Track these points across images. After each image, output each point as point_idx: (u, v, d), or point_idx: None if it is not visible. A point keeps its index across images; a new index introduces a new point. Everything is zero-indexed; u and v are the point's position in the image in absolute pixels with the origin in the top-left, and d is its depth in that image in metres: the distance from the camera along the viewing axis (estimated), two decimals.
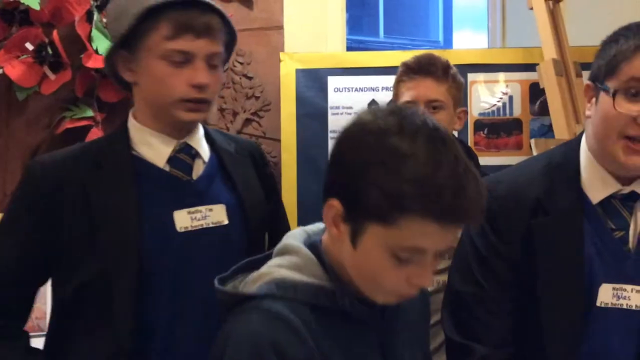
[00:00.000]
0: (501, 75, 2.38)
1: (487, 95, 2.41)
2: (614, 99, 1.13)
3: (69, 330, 1.25)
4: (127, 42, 1.23)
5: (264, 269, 0.99)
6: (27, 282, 1.27)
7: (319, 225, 1.05)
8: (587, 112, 1.23)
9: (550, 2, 2.21)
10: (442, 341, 1.34)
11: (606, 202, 1.21)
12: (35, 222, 1.22)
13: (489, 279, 1.24)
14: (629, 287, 1.19)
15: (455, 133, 2.38)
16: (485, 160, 2.23)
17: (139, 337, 1.21)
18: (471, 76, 2.41)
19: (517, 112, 2.37)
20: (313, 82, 2.37)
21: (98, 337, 1.20)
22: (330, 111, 2.38)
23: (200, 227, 1.26)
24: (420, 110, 0.93)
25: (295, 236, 1.03)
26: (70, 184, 1.22)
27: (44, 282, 1.31)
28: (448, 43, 5.65)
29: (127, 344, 1.19)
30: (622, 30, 1.21)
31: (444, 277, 1.47)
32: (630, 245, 1.20)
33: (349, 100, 2.40)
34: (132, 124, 1.30)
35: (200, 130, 1.36)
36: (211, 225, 1.28)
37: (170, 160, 1.28)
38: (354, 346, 0.96)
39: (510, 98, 2.38)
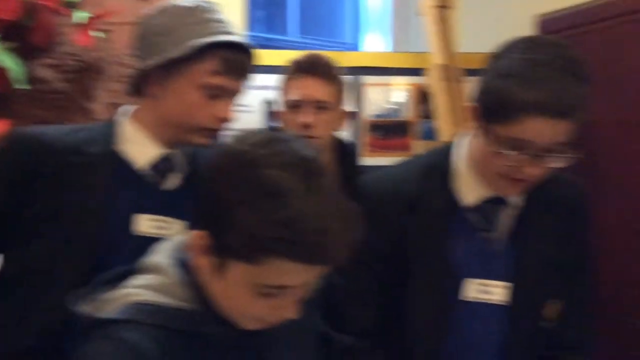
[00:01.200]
0: (394, 79, 2.44)
1: (380, 98, 2.47)
2: (497, 149, 1.12)
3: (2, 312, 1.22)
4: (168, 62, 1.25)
5: (125, 288, 0.94)
6: None
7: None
8: (472, 128, 1.22)
9: (440, 9, 2.29)
10: None
11: (477, 205, 1.26)
12: (3, 186, 1.23)
13: (361, 271, 1.28)
14: (493, 282, 1.26)
15: (350, 134, 2.47)
16: (376, 161, 2.29)
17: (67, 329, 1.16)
18: (365, 79, 2.46)
19: (408, 115, 2.44)
20: None
21: (31, 324, 1.18)
22: None
23: (155, 236, 1.23)
24: (296, 140, 0.89)
25: (166, 251, 0.99)
26: (47, 163, 1.22)
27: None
28: (359, 45, 5.74)
29: (50, 334, 1.16)
30: (516, 59, 1.12)
31: None
32: (498, 243, 1.27)
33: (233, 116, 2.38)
34: (125, 121, 1.31)
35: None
36: (165, 238, 1.27)
37: (151, 165, 1.28)
38: None
39: (402, 101, 2.44)
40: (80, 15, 2.13)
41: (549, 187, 1.26)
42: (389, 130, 2.44)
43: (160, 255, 0.98)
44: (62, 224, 1.20)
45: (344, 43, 5.91)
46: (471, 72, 2.41)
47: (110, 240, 1.21)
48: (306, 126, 1.70)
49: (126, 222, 1.24)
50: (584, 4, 2.59)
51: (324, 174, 0.87)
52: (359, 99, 2.47)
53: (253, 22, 5.19)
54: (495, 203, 1.26)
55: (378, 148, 2.43)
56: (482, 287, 1.26)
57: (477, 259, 1.26)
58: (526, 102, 1.07)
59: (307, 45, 5.51)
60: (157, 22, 1.28)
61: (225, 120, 1.27)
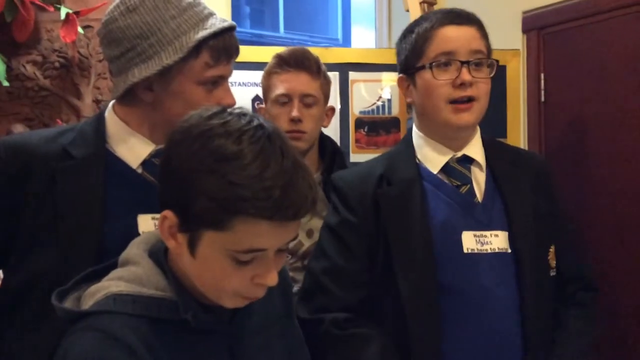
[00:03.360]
0: (381, 75, 2.44)
1: (368, 94, 2.47)
2: (432, 71, 1.30)
3: (13, 325, 1.19)
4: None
5: (104, 281, 0.95)
6: None
7: None
8: (408, 100, 1.40)
9: (425, 5, 2.30)
10: None
11: (446, 167, 1.35)
12: None
13: (342, 251, 1.31)
14: (487, 232, 1.30)
15: (337, 129, 2.47)
16: (365, 157, 2.28)
17: None
18: (352, 75, 2.45)
19: (396, 111, 2.44)
20: None
21: (44, 334, 1.14)
22: None
23: None
24: (244, 110, 0.92)
25: (139, 244, 1.00)
26: (37, 172, 1.17)
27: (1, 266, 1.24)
28: (346, 40, 5.74)
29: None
30: (415, 21, 1.38)
31: None
32: (478, 196, 1.33)
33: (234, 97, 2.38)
34: (112, 119, 1.25)
35: None
36: None
37: (144, 163, 1.24)
38: (201, 356, 0.95)
39: (389, 97, 2.45)
40: (63, 11, 2.11)
41: (510, 151, 1.42)
42: (376, 126, 2.44)
43: (134, 248, 0.99)
44: (62, 231, 1.16)
45: (332, 39, 5.92)
46: None
47: (116, 244, 1.14)
48: (295, 120, 1.69)
49: (129, 224, 1.20)
50: (568, 0, 2.60)
51: (278, 136, 0.89)
52: (346, 95, 2.47)
53: (238, 17, 5.17)
54: (463, 162, 1.35)
55: (366, 144, 2.43)
56: (480, 239, 1.29)
57: (463, 213, 1.31)
58: (432, 22, 1.32)
59: (294, 40, 5.51)
60: (130, 23, 1.17)
61: (230, 105, 1.22)
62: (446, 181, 1.33)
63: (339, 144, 2.44)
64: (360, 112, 2.45)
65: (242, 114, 0.90)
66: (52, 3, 2.13)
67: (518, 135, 2.68)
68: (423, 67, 1.31)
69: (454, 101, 1.30)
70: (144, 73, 1.17)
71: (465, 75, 1.28)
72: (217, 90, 1.22)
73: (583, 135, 2.55)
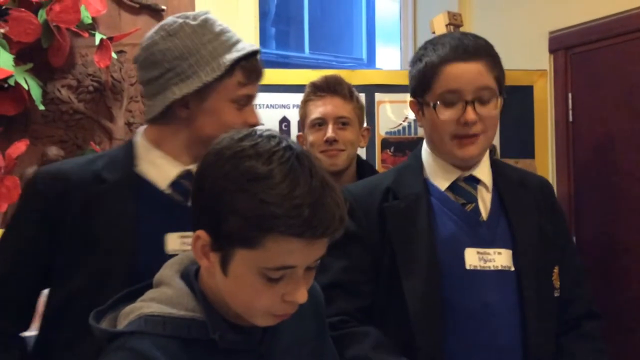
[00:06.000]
0: (406, 96, 2.45)
1: (394, 115, 2.49)
2: (435, 111, 1.31)
3: (55, 342, 1.24)
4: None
5: (138, 302, 0.98)
6: (28, 288, 1.27)
7: None
8: (419, 123, 1.43)
9: (452, 27, 2.31)
10: None
11: (453, 186, 1.36)
12: (37, 229, 1.24)
13: (343, 264, 1.32)
14: (490, 250, 1.31)
15: (363, 150, 2.48)
16: None
17: None
18: (378, 96, 2.48)
19: (422, 131, 2.45)
20: None
21: (83, 351, 1.17)
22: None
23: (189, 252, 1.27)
24: (273, 132, 0.95)
25: (172, 265, 1.02)
26: (74, 197, 1.23)
27: (43, 288, 1.29)
28: (371, 60, 5.77)
29: None
30: (423, 46, 1.38)
31: None
32: (483, 214, 1.34)
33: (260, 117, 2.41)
34: (142, 143, 1.32)
35: None
36: None
37: (173, 184, 1.29)
38: None
39: (415, 118, 2.46)
40: (97, 37, 2.17)
41: (515, 173, 1.43)
42: (403, 146, 2.46)
43: (167, 269, 1.02)
44: (98, 253, 1.21)
45: (357, 58, 5.94)
46: None
47: (146, 263, 1.19)
48: (330, 141, 1.78)
49: (159, 243, 1.25)
50: (594, 20, 2.60)
51: (307, 156, 0.91)
52: (372, 116, 2.49)
53: (264, 38, 5.24)
54: (470, 181, 1.36)
55: (392, 165, 2.44)
56: (483, 256, 1.30)
57: (467, 231, 1.32)
58: (439, 57, 1.31)
59: (319, 61, 5.54)
60: (171, 46, 1.26)
61: (256, 124, 1.31)
62: (452, 199, 1.35)
63: None
64: (387, 133, 2.47)
65: (272, 136, 0.92)
66: (86, 29, 2.20)
67: (546, 155, 2.66)
68: (428, 104, 1.32)
69: (458, 136, 1.31)
70: (184, 90, 1.24)
71: (470, 115, 1.28)
72: (245, 110, 1.30)
73: (611, 154, 2.53)
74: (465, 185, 1.36)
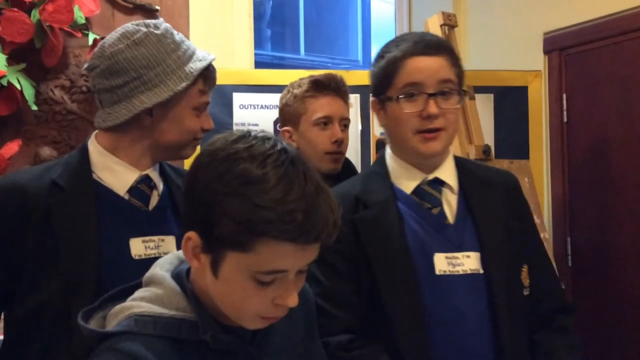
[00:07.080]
0: None
1: None
2: (399, 104, 1.30)
3: (26, 351, 1.22)
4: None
5: (127, 302, 0.97)
6: None
7: None
8: (381, 123, 1.41)
9: (446, 28, 2.31)
10: None
11: (418, 190, 1.35)
12: None
13: (330, 276, 1.30)
14: (458, 254, 1.31)
15: (358, 152, 2.48)
16: None
17: None
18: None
19: None
20: (218, 98, 2.35)
21: (58, 359, 1.18)
22: (235, 127, 2.37)
23: (153, 256, 1.28)
24: (268, 134, 0.93)
25: (163, 264, 1.02)
26: (34, 208, 1.22)
27: (5, 302, 1.28)
28: (367, 62, 5.77)
29: None
30: (385, 45, 1.38)
31: None
32: (449, 218, 1.34)
33: (254, 117, 2.41)
34: (95, 149, 1.32)
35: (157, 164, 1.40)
36: (162, 255, 1.29)
37: (130, 190, 1.31)
38: None
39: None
40: (91, 37, 2.16)
41: (480, 171, 1.42)
42: None
43: (157, 268, 1.01)
44: (64, 263, 1.21)
45: (350, 60, 5.95)
46: (479, 90, 2.42)
47: (112, 269, 1.22)
48: (339, 142, 1.74)
49: (123, 250, 1.26)
50: (589, 21, 2.60)
51: (301, 160, 0.90)
52: (367, 116, 2.48)
53: (259, 40, 5.24)
54: (435, 184, 1.35)
55: None
56: (451, 260, 1.30)
57: (435, 235, 1.31)
58: (402, 51, 1.31)
59: (314, 62, 5.55)
60: (137, 55, 1.27)
61: (210, 129, 1.37)
62: (418, 202, 1.35)
63: (360, 165, 2.47)
64: (382, 134, 2.46)
65: (266, 138, 0.91)
66: (80, 29, 2.19)
67: (540, 155, 2.67)
68: (391, 99, 1.31)
69: (421, 131, 1.31)
70: (154, 99, 1.27)
71: (432, 109, 1.28)
72: (202, 116, 1.35)
73: (606, 155, 2.53)
74: (430, 189, 1.35)
